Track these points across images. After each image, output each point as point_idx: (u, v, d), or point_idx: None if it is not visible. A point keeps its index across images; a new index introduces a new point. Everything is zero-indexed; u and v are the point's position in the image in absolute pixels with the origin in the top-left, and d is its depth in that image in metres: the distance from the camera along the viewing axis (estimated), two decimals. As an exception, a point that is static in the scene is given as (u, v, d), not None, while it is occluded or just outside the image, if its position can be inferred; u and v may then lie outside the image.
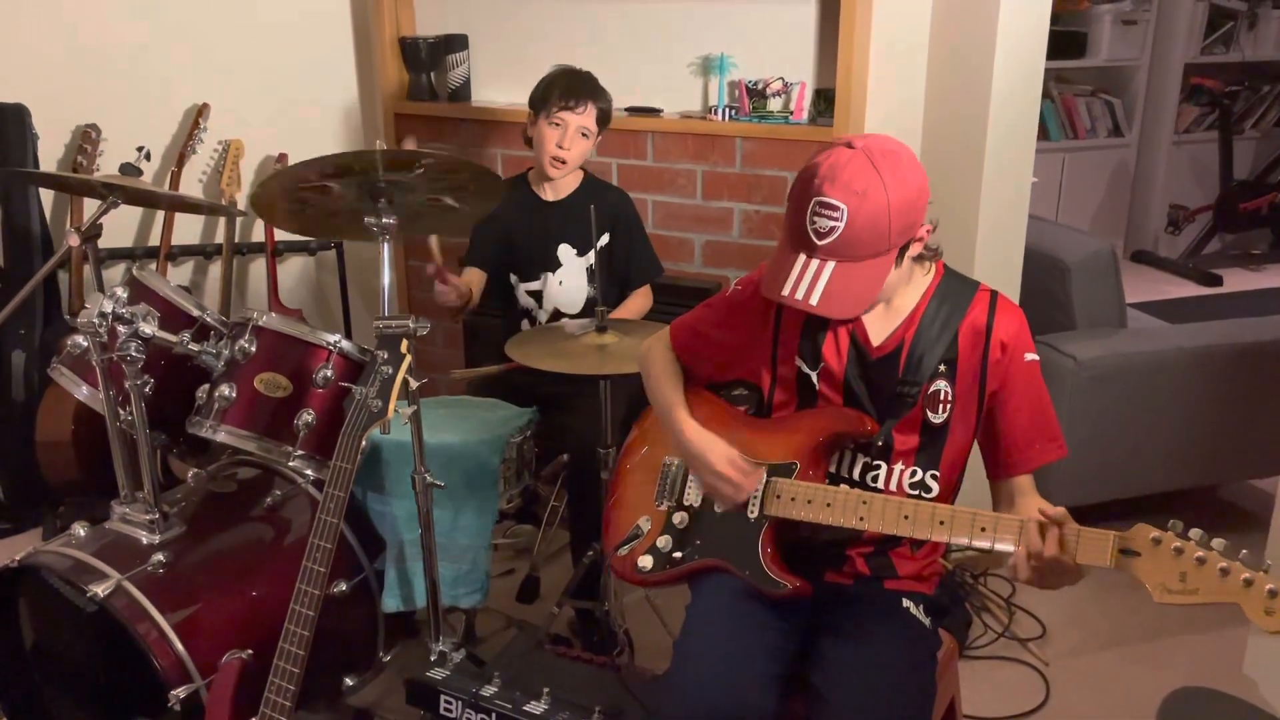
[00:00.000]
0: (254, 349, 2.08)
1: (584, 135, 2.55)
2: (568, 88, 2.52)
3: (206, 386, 2.13)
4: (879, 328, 1.68)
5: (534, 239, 2.66)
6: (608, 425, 2.26)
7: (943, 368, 1.64)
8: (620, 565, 1.82)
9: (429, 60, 3.40)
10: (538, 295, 2.68)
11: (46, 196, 3.26)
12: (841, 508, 1.59)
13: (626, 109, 3.11)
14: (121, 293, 1.88)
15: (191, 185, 3.40)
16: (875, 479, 1.68)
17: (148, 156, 2.91)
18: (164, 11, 3.29)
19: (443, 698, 1.89)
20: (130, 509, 2.02)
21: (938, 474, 1.67)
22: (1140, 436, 2.91)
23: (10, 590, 2.02)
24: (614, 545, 1.84)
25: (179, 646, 1.83)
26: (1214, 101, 5.79)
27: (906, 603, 1.70)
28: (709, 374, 1.86)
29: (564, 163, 2.55)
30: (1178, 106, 5.82)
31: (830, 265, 1.49)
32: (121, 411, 2.02)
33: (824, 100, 2.88)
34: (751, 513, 1.68)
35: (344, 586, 2.09)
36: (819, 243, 1.48)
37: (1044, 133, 5.48)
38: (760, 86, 2.94)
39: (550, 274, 2.67)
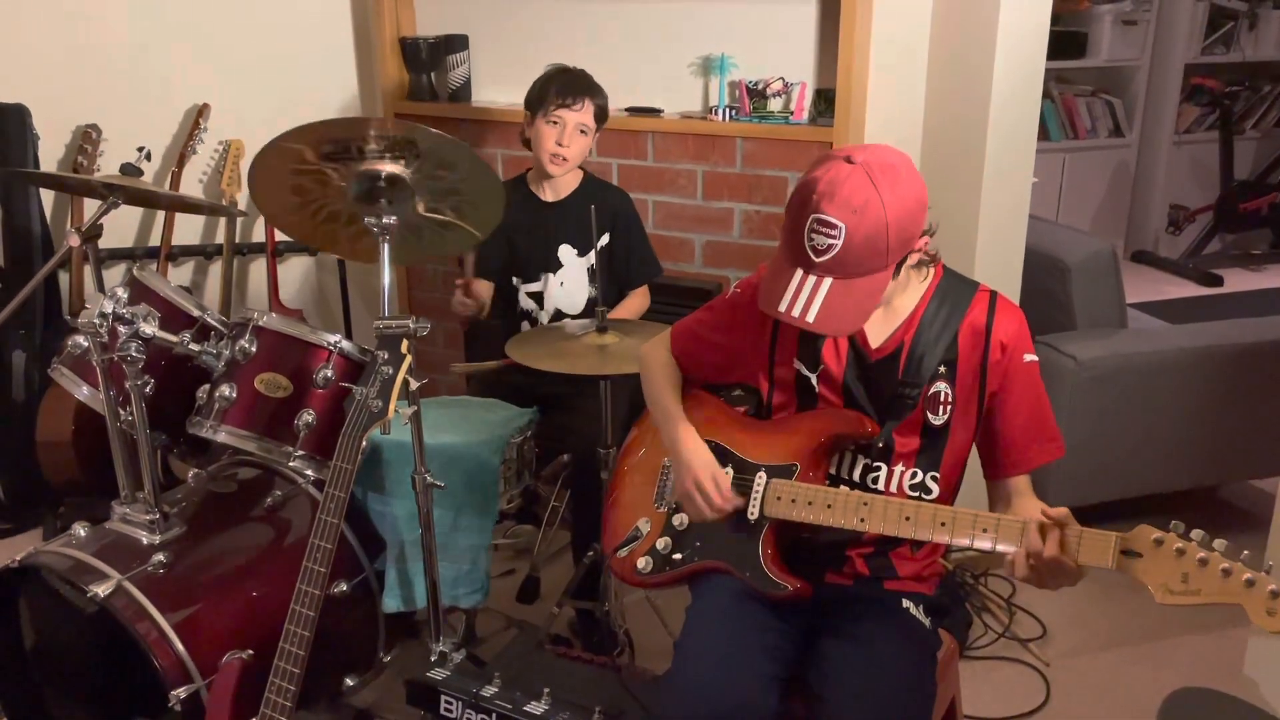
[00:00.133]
0: (254, 349, 2.08)
1: (582, 132, 2.55)
2: (564, 85, 2.52)
3: (207, 387, 2.13)
4: (878, 329, 1.67)
5: (534, 240, 2.66)
6: (608, 425, 2.26)
7: (942, 369, 1.64)
8: (620, 566, 1.82)
9: (429, 60, 3.40)
10: (539, 297, 2.68)
11: (47, 196, 3.26)
12: (842, 509, 1.59)
13: (627, 109, 3.11)
14: (122, 293, 1.88)
15: (192, 185, 3.40)
16: (875, 480, 1.68)
17: (148, 156, 2.91)
18: (164, 11, 3.29)
19: (443, 698, 1.89)
20: (130, 509, 2.02)
21: (938, 475, 1.67)
22: (1140, 437, 2.91)
23: (10, 590, 2.02)
24: (613, 546, 1.84)
25: (179, 647, 1.83)
26: (1214, 102, 5.79)
27: (906, 603, 1.70)
28: (708, 376, 1.86)
29: (564, 160, 2.55)
30: (1178, 107, 5.82)
31: (827, 282, 1.48)
32: (122, 411, 2.02)
33: (824, 100, 2.88)
34: (752, 514, 1.68)
35: (344, 587, 2.09)
36: (816, 259, 1.48)
37: (1044, 133, 5.48)
38: (760, 87, 2.94)
39: (551, 275, 2.67)
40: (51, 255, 3.13)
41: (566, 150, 2.54)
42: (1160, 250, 5.96)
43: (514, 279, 2.69)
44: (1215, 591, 1.28)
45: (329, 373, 2.08)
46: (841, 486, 1.67)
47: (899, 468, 1.67)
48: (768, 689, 1.57)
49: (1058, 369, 2.80)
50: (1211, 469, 3.08)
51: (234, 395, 2.07)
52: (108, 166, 3.20)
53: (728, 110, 3.00)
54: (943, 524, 1.51)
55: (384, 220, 1.99)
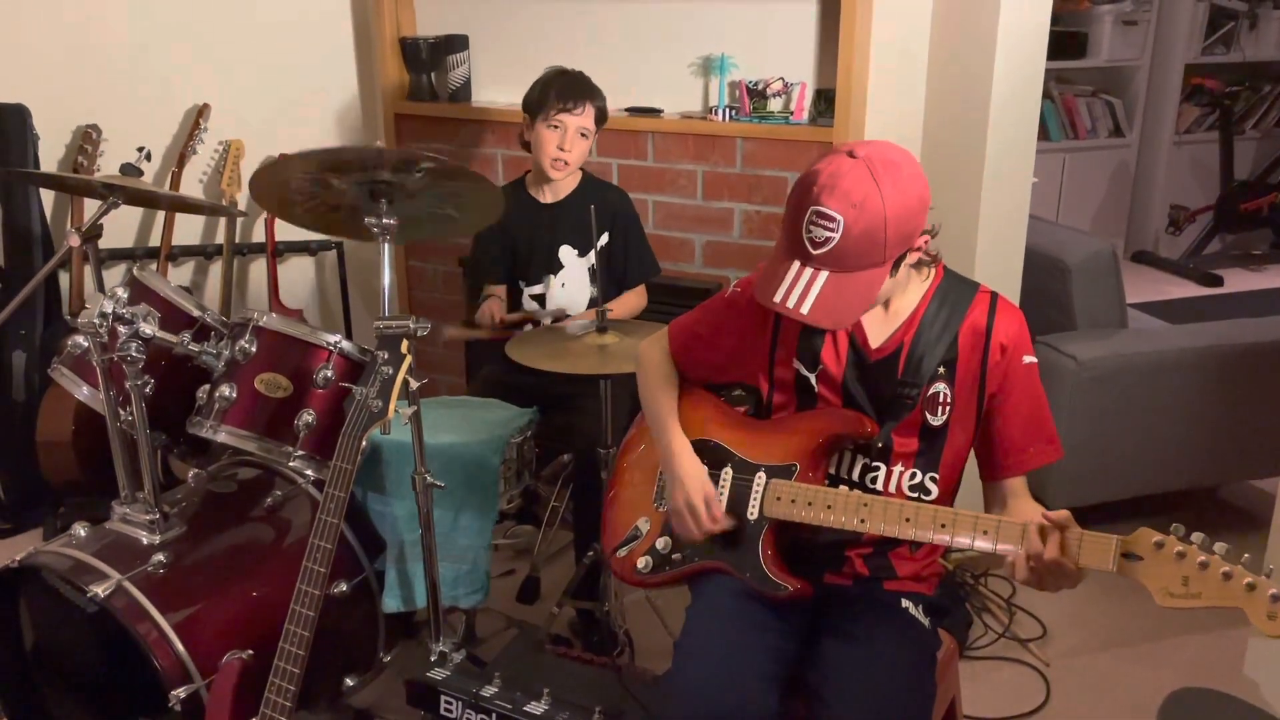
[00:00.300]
0: (254, 349, 2.08)
1: (583, 135, 2.55)
2: (564, 89, 2.52)
3: (207, 387, 2.13)
4: (878, 330, 1.67)
5: (535, 242, 2.66)
6: (608, 425, 2.26)
7: (942, 370, 1.64)
8: (619, 566, 1.82)
9: (429, 60, 3.40)
10: (541, 299, 2.68)
11: (47, 197, 3.26)
12: (842, 510, 1.59)
13: (627, 109, 3.11)
14: (122, 293, 1.88)
15: (192, 185, 3.40)
16: (874, 481, 1.67)
17: (148, 157, 2.91)
18: (164, 11, 3.29)
19: (443, 698, 1.89)
20: (130, 509, 2.02)
21: (937, 476, 1.67)
22: (1140, 437, 2.91)
23: (10, 590, 2.02)
24: (613, 546, 1.84)
25: (179, 647, 1.83)
26: (1214, 102, 5.79)
27: (906, 603, 1.70)
28: (707, 376, 1.86)
29: (566, 164, 2.55)
30: (1178, 107, 5.82)
31: (823, 275, 1.48)
32: (122, 411, 2.02)
33: (824, 100, 2.88)
34: (751, 514, 1.67)
35: (344, 587, 2.09)
36: (814, 252, 1.48)
37: (1044, 133, 5.48)
38: (760, 87, 2.94)
39: (552, 276, 2.67)
40: (51, 255, 3.13)
41: (568, 155, 2.54)
42: (1160, 250, 5.96)
43: (517, 282, 2.69)
44: (1216, 595, 1.28)
45: (329, 373, 2.08)
46: (841, 487, 1.67)
47: (898, 468, 1.67)
48: (767, 689, 1.57)
49: (1058, 369, 2.80)
50: (1211, 469, 3.08)
51: (234, 395, 2.07)
52: (108, 166, 3.21)
53: (728, 110, 3.00)
54: (943, 525, 1.51)
55: (384, 221, 1.99)
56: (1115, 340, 2.94)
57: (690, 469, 1.72)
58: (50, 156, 3.26)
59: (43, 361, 3.01)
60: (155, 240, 3.33)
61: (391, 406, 1.73)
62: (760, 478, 1.68)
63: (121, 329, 1.87)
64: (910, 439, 1.66)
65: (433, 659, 1.99)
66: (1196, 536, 1.30)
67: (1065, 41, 5.39)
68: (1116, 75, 5.74)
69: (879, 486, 1.67)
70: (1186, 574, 1.29)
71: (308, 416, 2.07)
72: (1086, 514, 1.46)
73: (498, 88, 3.38)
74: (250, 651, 1.82)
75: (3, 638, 2.04)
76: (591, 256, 2.65)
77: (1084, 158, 5.74)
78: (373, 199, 1.99)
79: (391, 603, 2.17)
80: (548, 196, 2.67)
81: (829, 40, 2.84)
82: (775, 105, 2.94)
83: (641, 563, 1.78)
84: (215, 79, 3.38)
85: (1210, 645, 2.60)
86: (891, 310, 1.67)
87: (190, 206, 3.16)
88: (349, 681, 2.16)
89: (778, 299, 1.50)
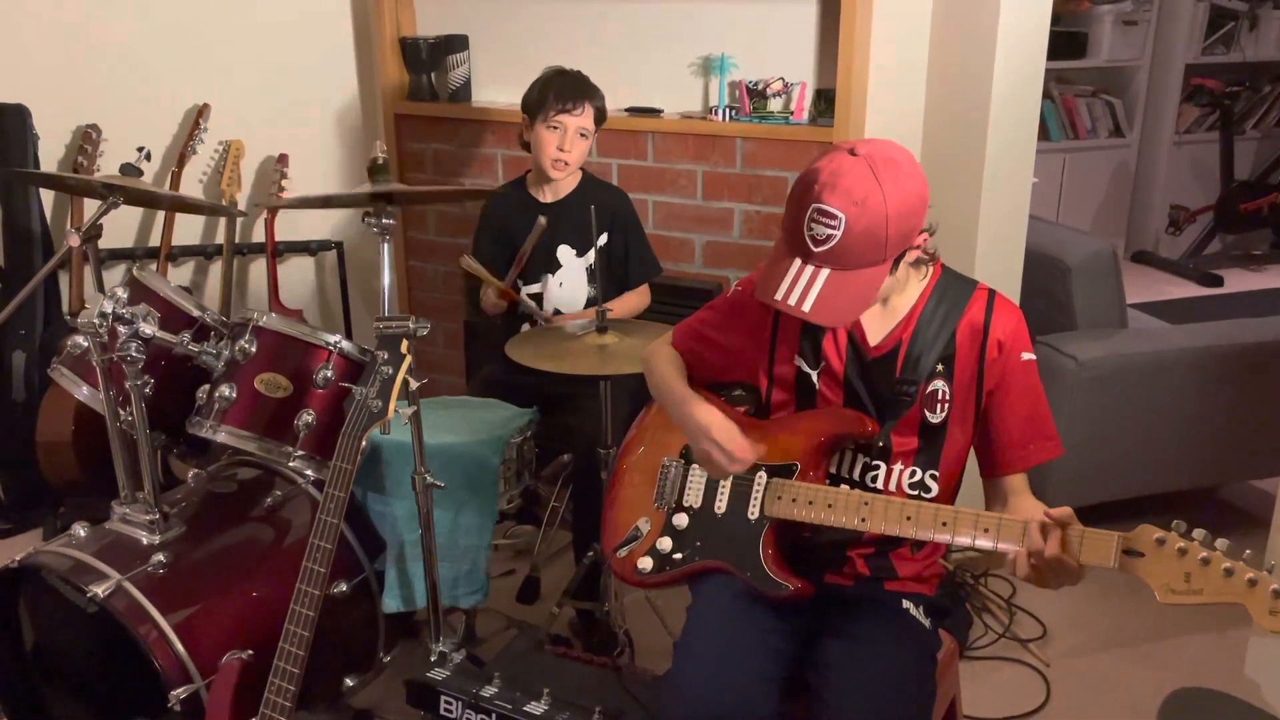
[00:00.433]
0: (254, 349, 2.08)
1: (583, 135, 2.56)
2: (563, 90, 2.52)
3: (207, 387, 2.13)
4: (877, 327, 1.68)
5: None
6: (608, 425, 2.26)
7: (940, 367, 1.64)
8: (620, 567, 1.82)
9: (429, 60, 3.40)
10: (538, 298, 2.68)
11: (47, 197, 3.26)
12: (843, 508, 1.59)
13: (627, 109, 3.11)
14: (122, 293, 1.88)
15: (192, 186, 3.40)
16: (875, 480, 1.68)
17: (148, 157, 2.91)
18: (165, 12, 3.29)
19: (443, 698, 1.89)
20: (130, 509, 2.02)
21: (937, 474, 1.67)
22: (1141, 437, 2.91)
23: (10, 590, 2.02)
24: (613, 546, 1.84)
25: (179, 647, 1.83)
26: (1215, 102, 5.79)
27: (907, 604, 1.70)
28: (711, 375, 1.86)
29: (566, 164, 2.56)
30: (1178, 107, 5.81)
31: (824, 273, 1.48)
32: (122, 412, 2.02)
33: (824, 100, 2.88)
34: (752, 514, 1.67)
35: (344, 587, 2.08)
36: (815, 249, 1.48)
37: (1045, 133, 5.48)
38: (761, 87, 2.94)
39: (550, 275, 2.67)
40: (51, 255, 3.13)
41: (568, 155, 2.54)
42: (1160, 250, 5.96)
43: (515, 281, 2.69)
44: (1217, 591, 1.28)
45: (329, 373, 2.08)
46: (841, 486, 1.67)
47: (898, 466, 1.67)
48: (768, 689, 1.57)
49: (1058, 369, 2.80)
50: (1212, 469, 3.08)
51: (234, 395, 2.07)
52: (108, 166, 3.20)
53: (728, 110, 3.00)
54: (944, 524, 1.51)
55: (384, 220, 1.99)
56: (1115, 340, 2.93)
57: (706, 413, 1.68)
58: (50, 156, 3.25)
59: (43, 361, 3.00)
60: (155, 240, 3.33)
61: (391, 406, 1.73)
62: (761, 477, 1.68)
63: (121, 329, 1.87)
64: (910, 437, 1.66)
65: (433, 659, 1.99)
66: (1198, 533, 1.31)
67: (1065, 41, 5.39)
68: (1116, 75, 5.74)
69: (879, 485, 1.67)
70: (1188, 570, 1.30)
71: (307, 416, 2.07)
72: (1087, 514, 1.45)
73: (498, 88, 3.37)
74: (250, 651, 1.82)
75: (3, 638, 2.04)
76: (590, 256, 2.65)
77: (1084, 158, 5.74)
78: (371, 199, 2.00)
79: (391, 603, 2.17)
80: (547, 196, 2.67)
81: (829, 40, 2.84)
82: (775, 105, 2.94)
83: (642, 563, 1.78)
84: (215, 79, 3.37)
85: (1210, 645, 2.59)
86: (890, 308, 1.67)
87: (190, 206, 3.16)
88: (349, 681, 2.16)
89: (779, 296, 1.50)
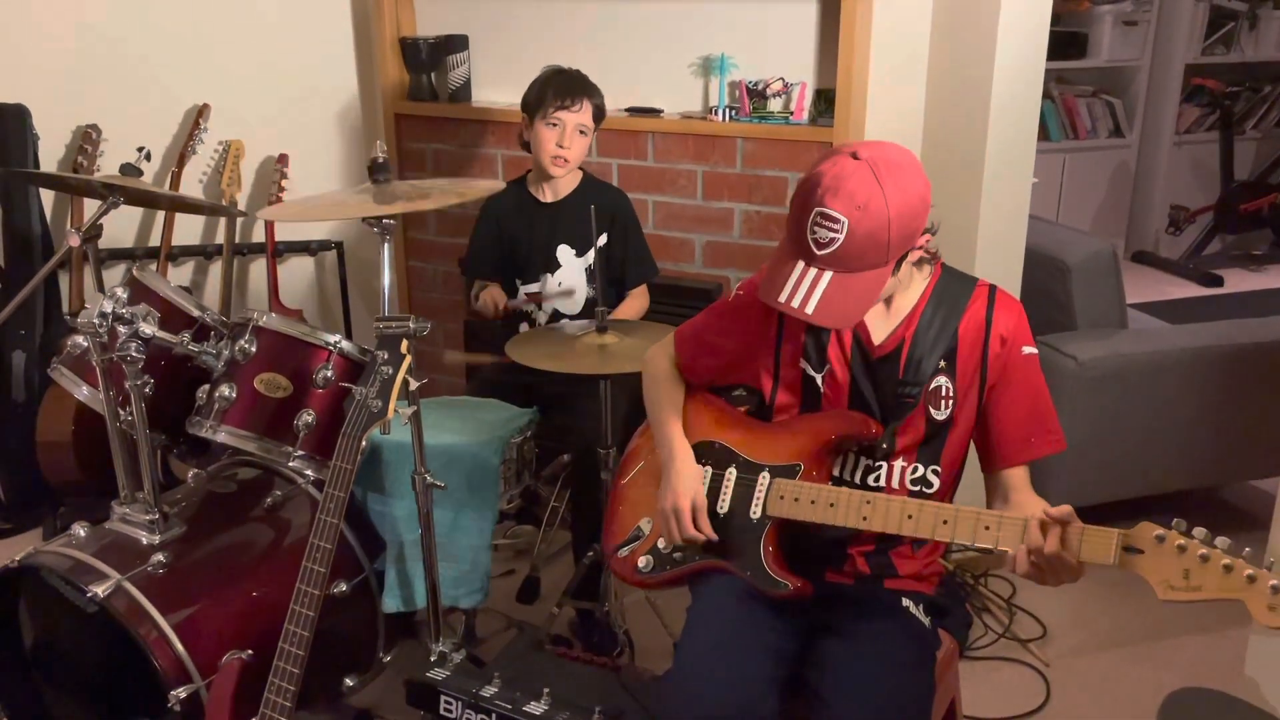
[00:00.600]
0: (254, 349, 2.08)
1: (582, 133, 2.56)
2: (562, 87, 2.53)
3: (206, 387, 2.13)
4: (879, 327, 1.68)
5: (533, 241, 2.66)
6: (608, 426, 2.26)
7: (943, 363, 1.65)
8: (620, 566, 1.82)
9: (429, 60, 3.40)
10: (537, 297, 2.68)
11: (47, 197, 3.26)
12: (845, 508, 1.59)
13: (627, 109, 3.11)
14: (121, 293, 1.88)
15: (192, 185, 3.40)
16: (876, 478, 1.68)
17: (148, 157, 2.91)
18: (165, 12, 3.29)
19: (443, 698, 1.89)
20: (130, 509, 2.02)
21: (939, 469, 1.67)
22: (1141, 437, 2.91)
23: (10, 590, 2.02)
24: (614, 546, 1.84)
25: (179, 647, 1.83)
26: (1215, 102, 5.79)
27: (906, 602, 1.70)
28: (714, 379, 1.87)
29: (566, 161, 2.56)
30: (1178, 107, 5.81)
31: (828, 275, 1.49)
32: (121, 412, 2.02)
33: (824, 100, 2.88)
34: (754, 514, 1.68)
35: (344, 587, 2.08)
36: (818, 252, 1.49)
37: (1045, 133, 5.48)
38: (761, 87, 2.94)
39: (549, 275, 2.67)
40: (51, 255, 3.12)
41: (568, 151, 2.54)
42: (1160, 250, 5.96)
43: (513, 280, 2.69)
44: (1217, 587, 1.28)
45: (329, 373, 2.08)
46: (844, 487, 1.67)
47: (899, 462, 1.67)
48: (768, 688, 1.57)
49: (1058, 369, 2.80)
50: (1212, 469, 3.08)
51: (234, 395, 2.07)
52: (108, 166, 3.20)
53: (728, 110, 3.00)
54: (945, 522, 1.51)
55: (384, 220, 1.99)
56: (1115, 340, 2.93)
57: (684, 475, 1.72)
58: (50, 156, 3.26)
59: (43, 361, 3.00)
60: (155, 240, 3.33)
61: (391, 406, 1.73)
62: (764, 477, 1.69)
63: (121, 329, 1.87)
64: (914, 434, 1.66)
65: (433, 659, 1.99)
66: (1198, 530, 1.31)
67: (1065, 41, 5.39)
68: (1116, 75, 5.74)
69: (881, 482, 1.68)
70: (1187, 567, 1.30)
71: (307, 416, 2.07)
72: (1087, 514, 1.45)
73: (498, 88, 3.37)
74: (250, 651, 1.82)
75: (3, 638, 2.04)
76: (589, 257, 2.65)
77: (1084, 158, 5.74)
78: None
79: (391, 603, 2.17)
80: (547, 196, 2.67)
81: (829, 40, 2.84)
82: (775, 105, 2.94)
83: (642, 562, 1.78)
84: (215, 79, 3.37)
85: (1211, 645, 2.59)
86: (893, 308, 1.68)
87: (190, 206, 3.16)
88: (349, 681, 2.16)
89: (782, 299, 1.51)
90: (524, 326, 2.68)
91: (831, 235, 1.47)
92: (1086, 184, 5.80)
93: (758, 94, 2.95)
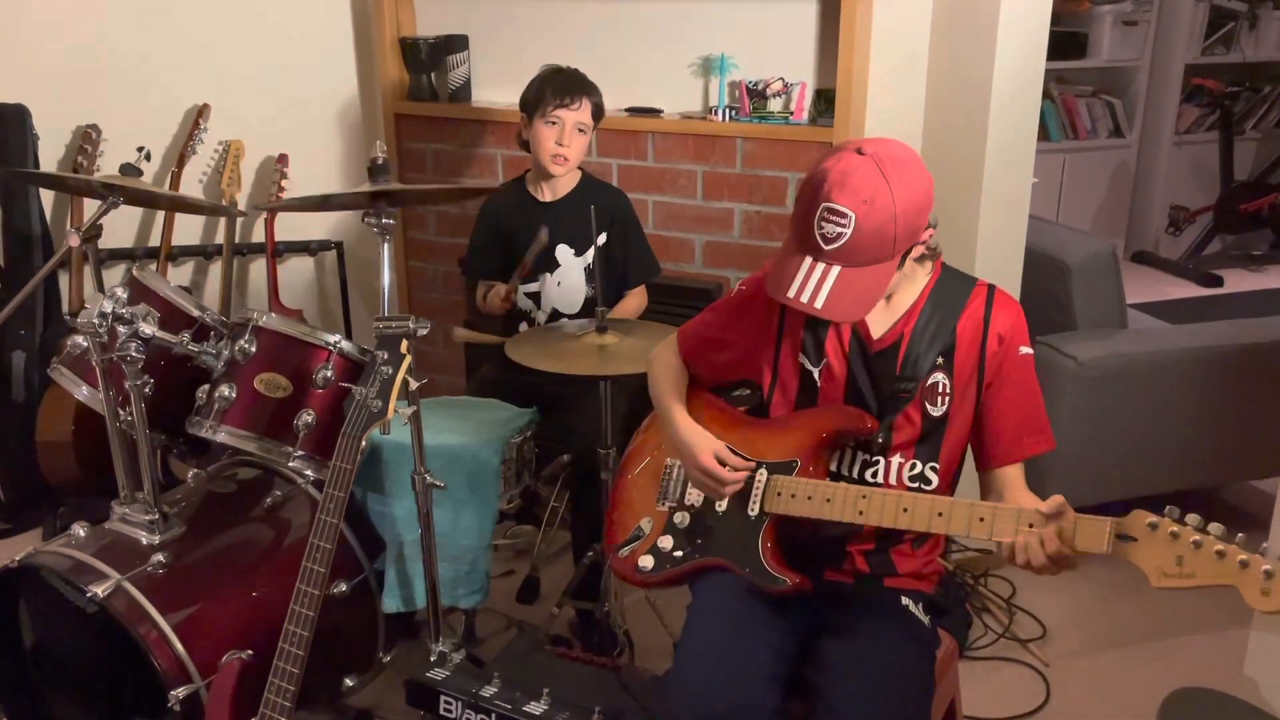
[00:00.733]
0: (254, 349, 2.08)
1: (581, 131, 2.56)
2: (560, 86, 2.53)
3: (206, 387, 2.13)
4: (879, 322, 1.69)
5: (533, 240, 2.65)
6: (608, 425, 2.26)
7: (940, 360, 1.66)
8: (621, 566, 1.82)
9: (429, 60, 3.40)
10: (535, 297, 2.69)
11: (46, 197, 3.26)
12: (841, 503, 1.60)
13: (627, 109, 3.11)
14: (121, 293, 1.88)
15: (192, 186, 3.40)
16: (875, 475, 1.68)
17: (148, 157, 2.91)
18: (164, 12, 3.29)
19: (443, 698, 1.89)
20: (130, 509, 2.02)
21: (937, 466, 1.68)
22: (1141, 437, 2.91)
23: (10, 590, 2.02)
24: (615, 546, 1.84)
25: (179, 647, 1.83)
26: (1215, 102, 5.79)
27: (906, 601, 1.71)
28: (717, 376, 1.87)
29: (566, 159, 2.56)
30: (1178, 107, 5.81)
31: (835, 270, 1.51)
32: (121, 411, 2.02)
33: (824, 101, 2.88)
34: (752, 511, 1.68)
35: (344, 587, 2.08)
36: (825, 247, 1.50)
37: (1044, 133, 5.48)
38: (761, 87, 2.94)
39: (548, 275, 2.67)
40: (51, 255, 3.12)
41: (567, 150, 2.55)
42: (1160, 251, 5.96)
43: (512, 279, 2.69)
44: (1210, 574, 1.28)
45: (329, 373, 2.08)
46: (841, 481, 1.67)
47: (897, 459, 1.68)
48: (768, 687, 1.57)
49: (1058, 369, 2.80)
50: (1212, 470, 3.07)
51: (234, 395, 2.07)
52: (108, 166, 3.20)
53: (728, 110, 3.00)
54: (939, 514, 1.52)
55: (384, 220, 1.99)
56: (1115, 340, 2.93)
57: (695, 436, 1.73)
58: (50, 156, 3.26)
59: (43, 361, 3.00)
60: (155, 240, 3.33)
61: (391, 406, 1.73)
62: (761, 474, 1.69)
63: (121, 329, 1.87)
64: (910, 430, 1.67)
65: (432, 659, 1.99)
66: (1191, 517, 1.32)
67: (1065, 41, 5.39)
68: (1116, 75, 5.74)
69: (879, 479, 1.68)
70: (1180, 554, 1.30)
71: (307, 416, 2.07)
72: (1086, 514, 1.46)
73: (497, 88, 3.37)
74: (250, 651, 1.82)
75: (3, 638, 2.04)
76: (588, 256, 2.65)
77: (1084, 158, 5.74)
78: (371, 199, 1.99)
79: (391, 603, 2.17)
80: (547, 195, 2.67)
81: (829, 40, 2.84)
82: (775, 105, 2.94)
83: (643, 561, 1.78)
84: (215, 79, 3.37)
85: (1210, 645, 2.59)
86: (893, 304, 1.69)
87: (190, 206, 3.16)
88: (349, 681, 2.16)
89: (791, 294, 1.52)
90: (523, 326, 2.68)
91: (839, 230, 1.48)
92: (1086, 184, 5.80)
93: (758, 94, 2.95)
